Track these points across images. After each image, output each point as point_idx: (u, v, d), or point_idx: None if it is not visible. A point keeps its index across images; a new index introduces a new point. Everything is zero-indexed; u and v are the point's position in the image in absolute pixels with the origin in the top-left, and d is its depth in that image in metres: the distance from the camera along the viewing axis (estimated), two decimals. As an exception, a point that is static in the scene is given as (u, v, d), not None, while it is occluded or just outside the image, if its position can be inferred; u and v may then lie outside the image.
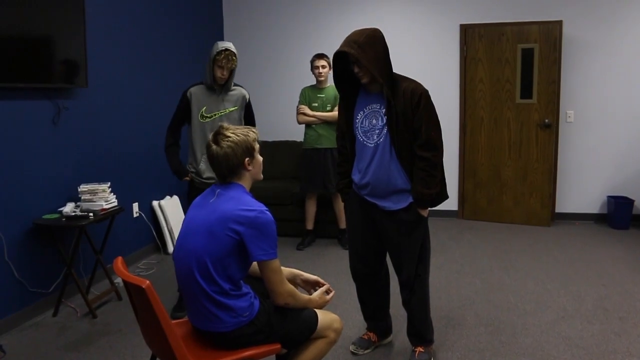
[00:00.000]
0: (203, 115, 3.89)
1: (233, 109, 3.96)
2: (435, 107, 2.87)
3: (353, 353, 3.29)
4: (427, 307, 3.17)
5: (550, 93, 6.24)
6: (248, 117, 4.09)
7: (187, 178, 3.97)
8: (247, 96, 4.06)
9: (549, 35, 6.16)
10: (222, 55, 3.74)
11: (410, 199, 2.90)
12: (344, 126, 3.04)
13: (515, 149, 6.44)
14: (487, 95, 6.47)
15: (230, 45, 3.80)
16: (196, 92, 3.91)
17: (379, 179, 2.89)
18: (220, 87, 3.90)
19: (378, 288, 3.28)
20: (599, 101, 6.31)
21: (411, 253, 3.00)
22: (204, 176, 3.92)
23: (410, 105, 2.78)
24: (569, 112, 6.37)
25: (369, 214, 3.04)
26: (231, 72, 3.86)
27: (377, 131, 2.87)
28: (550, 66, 6.21)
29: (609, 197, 6.32)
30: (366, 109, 2.94)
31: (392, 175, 2.87)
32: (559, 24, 6.14)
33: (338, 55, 2.86)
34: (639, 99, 6.22)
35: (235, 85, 4.02)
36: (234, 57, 3.78)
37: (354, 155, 3.03)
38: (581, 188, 6.46)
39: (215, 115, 3.90)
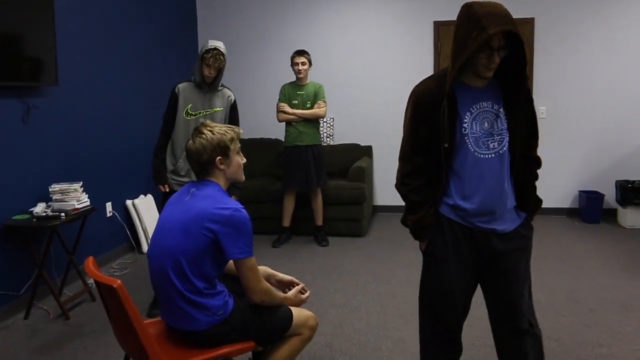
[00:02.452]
0: (188, 112, 3.89)
1: (218, 109, 3.97)
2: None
3: None
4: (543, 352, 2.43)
5: (523, 89, 6.33)
6: (233, 119, 4.07)
7: (163, 189, 3.93)
8: (233, 97, 4.07)
9: (521, 33, 6.23)
10: (210, 54, 3.75)
11: (522, 216, 2.31)
12: (444, 136, 2.17)
13: (489, 144, 6.50)
14: (461, 91, 6.51)
15: (219, 45, 3.80)
16: (184, 88, 3.92)
17: (498, 198, 2.21)
18: (207, 86, 3.91)
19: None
20: (570, 98, 6.41)
21: (526, 280, 2.35)
22: (182, 173, 3.92)
23: (526, 102, 2.21)
24: (541, 108, 6.46)
25: (478, 247, 2.26)
26: (219, 72, 3.87)
27: (499, 137, 2.18)
28: (522, 63, 6.29)
29: (581, 191, 6.42)
30: (472, 109, 2.19)
31: (508, 190, 2.23)
32: (530, 21, 6.23)
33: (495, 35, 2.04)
34: (609, 96, 6.34)
35: (223, 85, 4.03)
36: (221, 57, 3.78)
37: (445, 173, 2.23)
38: (553, 183, 6.55)
39: (200, 113, 3.91)
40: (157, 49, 5.98)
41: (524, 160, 2.25)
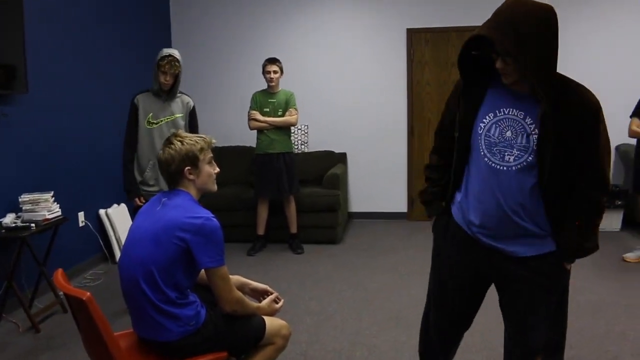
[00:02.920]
0: (149, 121, 3.95)
1: (179, 115, 4.03)
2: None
3: None
4: None
5: (494, 96, 6.43)
6: (192, 124, 4.13)
7: (138, 202, 3.99)
8: (192, 103, 4.13)
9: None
10: (165, 61, 3.82)
11: (551, 246, 2.04)
12: (457, 127, 2.11)
13: (462, 150, 6.58)
14: (434, 97, 6.60)
15: (174, 52, 3.88)
16: (143, 98, 3.98)
17: (497, 215, 2.02)
18: (165, 93, 3.96)
19: None
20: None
21: (546, 316, 2.11)
22: (151, 183, 3.98)
23: (579, 122, 1.91)
24: (512, 114, 6.55)
25: (479, 257, 2.13)
26: (176, 78, 3.93)
27: (517, 153, 1.96)
28: (494, 69, 6.39)
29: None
30: (499, 112, 2.00)
31: (528, 215, 1.99)
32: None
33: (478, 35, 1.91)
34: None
35: (181, 92, 4.10)
36: (176, 63, 3.85)
37: (459, 172, 2.15)
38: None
39: (161, 121, 3.96)
40: (129, 57, 5.93)
41: (580, 197, 1.98)
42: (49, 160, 4.57)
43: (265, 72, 5.44)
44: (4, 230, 3.75)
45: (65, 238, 4.66)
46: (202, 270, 2.27)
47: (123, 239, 5.32)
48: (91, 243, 5.20)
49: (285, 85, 5.62)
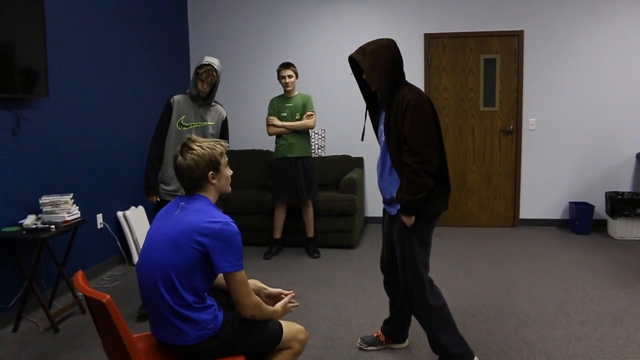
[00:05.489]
0: (181, 123, 4.04)
1: (210, 123, 4.10)
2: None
3: (359, 347, 3.46)
4: (431, 321, 3.02)
5: (512, 101, 6.40)
6: (223, 135, 4.21)
7: (153, 200, 4.06)
8: (224, 114, 4.22)
9: (510, 46, 6.32)
10: (203, 69, 3.92)
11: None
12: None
13: (480, 155, 6.57)
14: (452, 103, 6.58)
15: (213, 61, 3.97)
16: (179, 100, 4.07)
17: (382, 185, 3.05)
18: (201, 100, 4.05)
19: (396, 294, 3.31)
20: (560, 109, 6.46)
21: (403, 261, 3.01)
22: (171, 183, 4.03)
23: (400, 113, 2.81)
24: (531, 119, 6.51)
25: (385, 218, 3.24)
26: (213, 87, 4.03)
27: (381, 139, 3.02)
28: (512, 76, 6.37)
29: (571, 203, 6.46)
30: (382, 116, 3.04)
31: (390, 183, 2.97)
32: (519, 34, 6.29)
33: (351, 62, 3.14)
34: (597, 108, 6.39)
35: (216, 102, 4.19)
36: (214, 73, 3.95)
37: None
38: (544, 194, 6.59)
39: (192, 125, 4.05)
40: (148, 62, 5.99)
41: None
42: (69, 162, 4.63)
43: (280, 78, 5.45)
44: (24, 232, 3.79)
45: (83, 239, 4.72)
46: (220, 274, 2.28)
47: (140, 241, 5.36)
48: (109, 245, 5.24)
49: (303, 89, 5.64)
